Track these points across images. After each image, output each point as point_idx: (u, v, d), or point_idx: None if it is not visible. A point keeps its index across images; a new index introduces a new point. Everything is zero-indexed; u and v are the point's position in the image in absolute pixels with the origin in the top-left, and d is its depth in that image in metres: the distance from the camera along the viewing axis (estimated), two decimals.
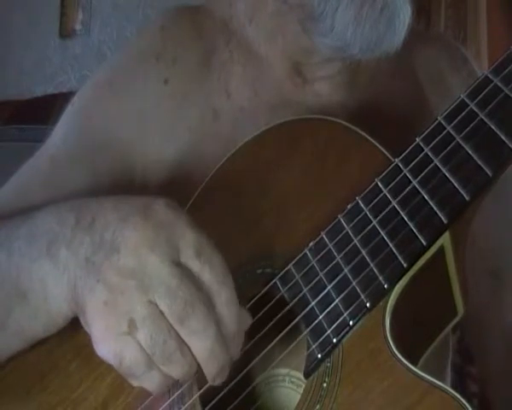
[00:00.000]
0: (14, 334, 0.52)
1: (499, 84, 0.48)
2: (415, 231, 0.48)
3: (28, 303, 0.50)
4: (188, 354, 0.46)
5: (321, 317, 0.50)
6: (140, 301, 0.45)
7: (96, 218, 0.48)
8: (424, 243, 0.48)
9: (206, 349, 0.46)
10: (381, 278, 0.48)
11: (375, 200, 0.50)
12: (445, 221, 0.47)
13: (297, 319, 0.51)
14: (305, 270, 0.52)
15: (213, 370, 0.47)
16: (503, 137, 0.47)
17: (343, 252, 0.50)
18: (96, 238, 0.47)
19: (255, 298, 0.53)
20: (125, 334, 0.45)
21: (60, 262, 0.48)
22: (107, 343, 0.45)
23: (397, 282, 0.48)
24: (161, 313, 0.45)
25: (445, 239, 0.49)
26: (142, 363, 0.45)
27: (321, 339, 0.49)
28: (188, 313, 0.45)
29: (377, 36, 0.58)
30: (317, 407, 0.48)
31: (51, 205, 0.53)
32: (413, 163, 0.50)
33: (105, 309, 0.45)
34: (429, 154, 0.49)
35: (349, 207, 0.52)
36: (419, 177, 0.49)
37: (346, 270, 0.50)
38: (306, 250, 0.52)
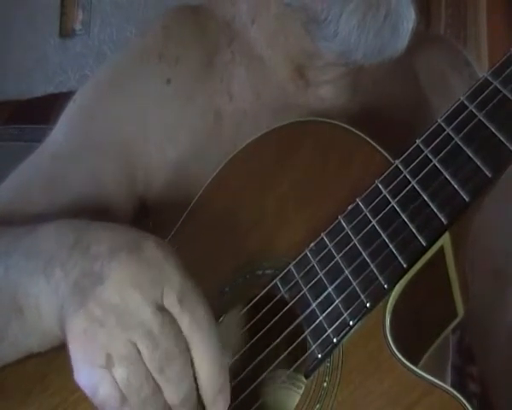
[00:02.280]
0: (11, 345, 0.52)
1: (499, 86, 0.48)
2: (415, 231, 0.48)
3: (24, 318, 0.50)
4: (161, 399, 0.45)
5: (321, 317, 0.50)
6: (119, 339, 0.44)
7: (91, 244, 0.48)
8: (424, 243, 0.48)
9: (179, 397, 0.45)
10: (381, 278, 0.48)
11: (376, 201, 0.51)
12: (445, 222, 0.48)
13: (298, 320, 0.51)
14: (306, 270, 0.52)
15: None
16: (502, 139, 0.47)
17: (343, 253, 0.51)
18: (87, 264, 0.47)
19: (256, 299, 0.53)
20: (102, 367, 0.44)
21: (53, 281, 0.48)
22: (84, 372, 0.45)
23: (397, 282, 0.48)
24: (139, 353, 0.44)
25: (445, 240, 0.49)
26: (115, 400, 0.44)
27: (321, 339, 0.49)
28: (166, 363, 0.44)
29: (381, 43, 0.58)
30: (317, 406, 0.48)
31: (53, 221, 0.53)
32: (413, 165, 0.50)
33: (84, 337, 0.45)
34: (429, 155, 0.50)
35: (349, 208, 0.52)
36: (419, 178, 0.49)
37: (346, 270, 0.50)
38: (307, 251, 0.52)
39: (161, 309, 0.45)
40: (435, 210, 0.48)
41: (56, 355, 0.53)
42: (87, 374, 0.45)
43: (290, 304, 0.52)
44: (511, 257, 0.68)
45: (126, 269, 0.45)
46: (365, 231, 0.50)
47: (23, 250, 0.51)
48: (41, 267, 0.49)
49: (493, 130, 0.47)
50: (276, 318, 0.52)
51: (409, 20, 0.58)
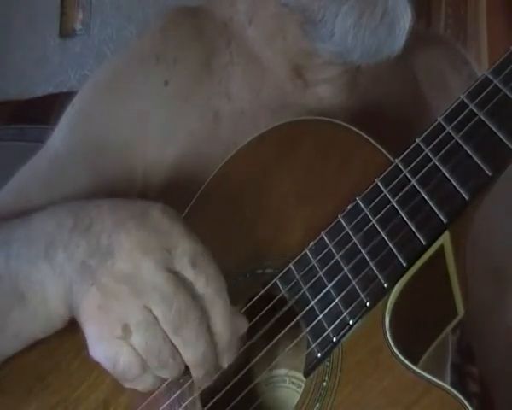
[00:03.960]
0: (12, 336, 0.52)
1: (499, 84, 0.48)
2: (414, 230, 0.48)
3: (26, 305, 0.51)
4: (179, 359, 0.46)
5: (321, 316, 0.50)
6: (134, 307, 0.45)
7: (93, 221, 0.48)
8: (424, 242, 0.48)
9: (197, 357, 0.46)
10: (380, 277, 0.48)
11: (375, 200, 0.51)
12: (445, 221, 0.48)
13: (297, 319, 0.51)
14: (306, 270, 0.52)
15: (199, 374, 0.47)
16: (502, 138, 0.47)
17: (343, 252, 0.51)
18: (93, 242, 0.47)
19: (255, 298, 0.53)
20: (120, 338, 0.45)
21: (57, 265, 0.49)
22: (102, 347, 0.46)
23: (396, 281, 0.48)
24: (155, 318, 0.45)
25: (445, 239, 0.49)
26: (136, 367, 0.45)
27: (321, 338, 0.49)
28: (182, 322, 0.45)
29: (377, 43, 0.58)
30: (317, 405, 0.48)
31: (50, 207, 0.53)
32: (413, 163, 0.50)
33: (99, 313, 0.45)
34: (429, 154, 0.50)
35: (349, 207, 0.52)
36: (419, 177, 0.49)
37: (345, 269, 0.50)
38: (307, 250, 0.52)
39: (174, 272, 0.45)
40: (435, 209, 0.48)
41: (57, 353, 0.53)
42: (105, 348, 0.45)
43: (290, 303, 0.52)
44: (510, 256, 0.68)
45: (136, 238, 0.46)
46: (365, 230, 0.50)
47: (22, 239, 0.52)
48: (42, 252, 0.50)
49: (493, 128, 0.47)
50: (276, 317, 0.52)
51: (406, 19, 0.58)
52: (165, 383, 0.48)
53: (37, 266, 0.50)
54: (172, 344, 0.45)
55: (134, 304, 0.45)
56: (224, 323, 0.47)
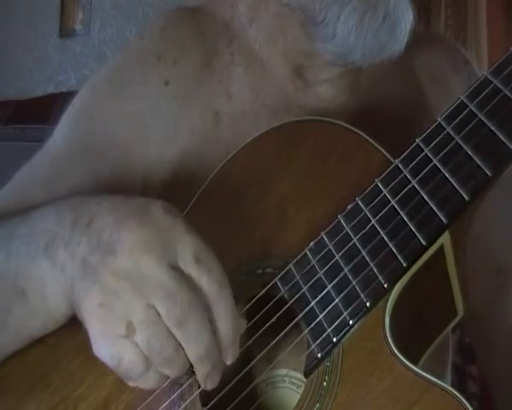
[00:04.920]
0: (13, 332, 0.52)
1: (499, 85, 0.48)
2: (414, 230, 0.48)
3: (27, 302, 0.51)
4: (183, 356, 0.46)
5: (321, 316, 0.50)
6: (137, 304, 0.45)
7: (93, 218, 0.48)
8: (424, 242, 0.48)
9: (200, 353, 0.46)
10: (380, 277, 0.48)
11: (375, 200, 0.51)
12: (445, 221, 0.48)
13: (297, 319, 0.51)
14: (306, 270, 0.52)
15: (204, 372, 0.47)
16: (502, 138, 0.47)
17: (343, 252, 0.51)
18: (93, 239, 0.47)
19: (255, 298, 0.53)
20: (123, 337, 0.45)
21: (57, 262, 0.49)
22: (105, 345, 0.45)
23: (396, 281, 0.48)
24: (158, 315, 0.45)
25: (445, 239, 0.49)
26: (139, 365, 0.45)
27: (321, 338, 0.49)
28: (186, 318, 0.45)
29: (379, 44, 0.58)
30: (317, 405, 0.48)
31: (50, 204, 0.53)
32: (413, 164, 0.50)
33: (101, 311, 0.45)
34: (429, 154, 0.50)
35: (349, 207, 0.52)
36: (419, 177, 0.49)
37: (345, 270, 0.50)
38: (307, 250, 0.52)
39: (176, 269, 0.45)
40: (435, 209, 0.48)
41: (57, 353, 0.53)
42: (109, 347, 0.45)
43: (290, 303, 0.52)
44: (511, 255, 0.68)
45: (137, 235, 0.46)
46: (365, 230, 0.50)
47: (23, 235, 0.52)
48: (42, 249, 0.50)
49: (493, 129, 0.47)
50: (276, 317, 0.52)
51: (407, 20, 0.58)
52: (168, 381, 0.48)
53: (37, 263, 0.50)
54: (176, 340, 0.45)
55: (136, 301, 0.45)
56: (228, 318, 0.47)
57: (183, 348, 0.46)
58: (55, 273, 0.49)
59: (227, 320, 0.47)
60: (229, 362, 0.48)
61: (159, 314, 0.45)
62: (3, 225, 0.55)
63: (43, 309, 0.50)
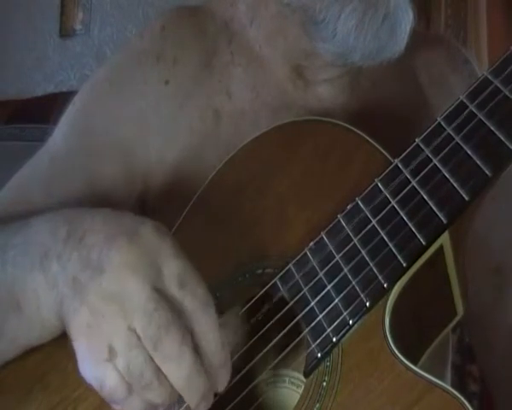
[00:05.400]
0: (10, 341, 0.52)
1: (499, 85, 0.48)
2: (414, 230, 0.48)
3: (22, 313, 0.50)
4: (165, 383, 0.45)
5: (321, 316, 0.50)
6: (120, 327, 0.44)
7: (86, 233, 0.48)
8: (423, 242, 0.48)
9: (183, 378, 0.45)
10: (380, 277, 0.48)
11: (375, 200, 0.51)
12: (445, 221, 0.48)
13: (297, 319, 0.51)
14: (306, 270, 0.52)
15: (194, 399, 0.46)
16: (502, 138, 0.47)
17: (343, 252, 0.51)
18: (84, 255, 0.47)
19: (255, 298, 0.53)
20: (106, 360, 0.44)
21: (50, 276, 0.48)
22: (89, 367, 0.45)
23: (396, 281, 0.48)
24: (138, 339, 0.44)
25: (445, 239, 0.49)
26: (121, 390, 0.45)
27: (321, 338, 0.49)
28: (161, 336, 0.44)
29: (379, 45, 0.58)
30: (317, 405, 0.48)
31: (48, 213, 0.53)
32: (413, 164, 0.50)
33: (88, 332, 0.45)
34: (429, 154, 0.50)
35: (349, 207, 0.52)
36: (419, 177, 0.49)
37: (345, 269, 0.50)
38: (306, 250, 0.52)
39: (159, 291, 0.45)
40: (435, 209, 0.48)
41: (56, 354, 0.53)
42: (92, 369, 0.45)
43: (290, 304, 0.52)
44: (510, 255, 0.68)
45: (125, 256, 0.45)
46: (365, 230, 0.50)
47: (18, 245, 0.52)
48: (37, 261, 0.49)
49: (493, 129, 0.47)
50: (277, 317, 0.52)
51: (407, 21, 0.58)
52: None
53: (32, 276, 0.49)
54: (155, 365, 0.44)
55: (119, 324, 0.44)
56: (213, 341, 0.45)
57: (164, 375, 0.45)
58: (48, 288, 0.48)
59: (211, 342, 0.45)
60: (220, 389, 0.47)
61: (138, 337, 0.44)
62: (1, 231, 0.55)
63: (38, 321, 0.50)
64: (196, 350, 0.45)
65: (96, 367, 0.45)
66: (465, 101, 0.49)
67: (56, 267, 0.48)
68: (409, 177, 0.50)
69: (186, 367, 0.44)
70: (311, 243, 0.52)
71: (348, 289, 0.49)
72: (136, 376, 0.44)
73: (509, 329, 0.67)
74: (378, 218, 0.50)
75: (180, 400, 0.47)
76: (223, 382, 0.47)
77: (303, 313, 0.51)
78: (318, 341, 0.49)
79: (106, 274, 0.45)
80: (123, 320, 0.44)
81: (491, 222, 0.64)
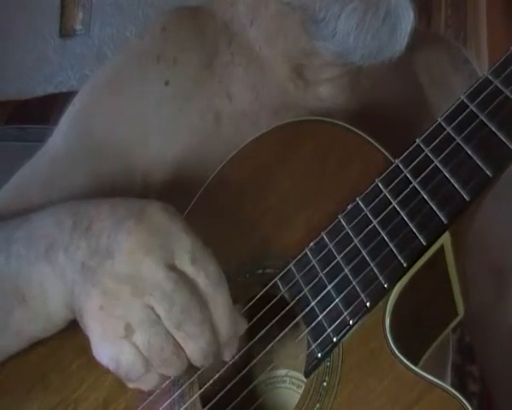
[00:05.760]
0: (14, 334, 0.52)
1: (499, 85, 0.48)
2: (415, 231, 0.48)
3: (27, 305, 0.51)
4: (183, 356, 0.46)
5: (321, 316, 0.50)
6: (136, 306, 0.45)
7: (92, 222, 0.48)
8: (424, 243, 0.48)
9: (201, 352, 0.46)
10: (381, 277, 0.48)
11: (376, 200, 0.51)
12: (445, 221, 0.48)
13: (297, 319, 0.51)
14: (306, 270, 0.52)
15: (204, 366, 0.47)
16: (502, 138, 0.47)
17: (343, 252, 0.51)
18: (93, 243, 0.47)
19: (256, 298, 0.53)
20: (122, 338, 0.45)
21: (57, 267, 0.49)
22: (105, 347, 0.45)
23: (397, 282, 0.48)
24: (157, 316, 0.45)
25: (445, 239, 0.49)
26: (139, 366, 0.45)
27: (321, 338, 0.49)
28: (184, 318, 0.45)
29: (379, 44, 0.58)
30: (317, 406, 0.48)
31: (50, 207, 0.53)
32: (413, 164, 0.50)
33: (101, 314, 0.45)
34: (429, 154, 0.50)
35: (349, 207, 0.52)
36: (419, 177, 0.49)
37: (346, 270, 0.50)
38: (307, 250, 0.52)
39: (174, 270, 0.45)
40: (435, 209, 0.48)
41: (57, 353, 0.53)
42: (108, 349, 0.45)
43: (291, 304, 0.52)
44: (511, 256, 0.68)
45: (135, 237, 0.46)
46: (365, 230, 0.50)
47: (22, 238, 0.52)
48: (42, 253, 0.49)
49: (494, 129, 0.47)
50: (277, 318, 0.52)
51: (407, 21, 0.58)
52: (168, 381, 0.48)
53: (37, 268, 0.50)
54: (175, 341, 0.45)
55: (135, 303, 0.45)
56: (226, 317, 0.47)
57: (182, 348, 0.46)
58: (55, 279, 0.49)
59: (224, 318, 0.47)
60: (227, 358, 0.49)
61: (157, 315, 0.45)
62: (3, 226, 0.55)
63: (43, 313, 0.50)
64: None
65: (112, 346, 0.45)
66: (466, 101, 0.49)
67: (63, 258, 0.48)
68: (409, 177, 0.50)
69: (205, 343, 0.46)
70: (312, 243, 0.52)
71: (349, 289, 0.49)
72: (156, 351, 0.45)
73: (509, 329, 0.67)
74: (379, 218, 0.50)
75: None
76: (231, 352, 0.49)
77: (303, 313, 0.51)
78: (319, 341, 0.49)
79: (116, 258, 0.46)
80: (139, 299, 0.45)
81: (492, 223, 0.64)
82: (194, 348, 0.46)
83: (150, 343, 0.45)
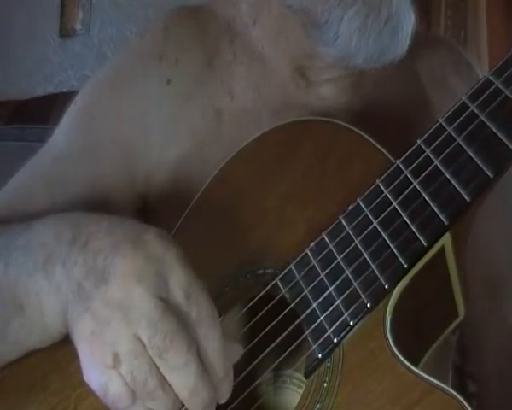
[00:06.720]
0: (12, 343, 0.52)
1: (500, 86, 0.48)
2: (415, 232, 0.48)
3: (25, 315, 0.50)
4: (169, 392, 0.45)
5: (322, 317, 0.50)
6: (124, 335, 0.44)
7: (90, 238, 0.48)
8: (425, 244, 0.48)
9: (188, 387, 0.45)
10: (381, 278, 0.48)
11: (376, 201, 0.51)
12: (446, 222, 0.48)
13: (298, 320, 0.51)
14: (306, 270, 0.52)
15: (197, 409, 0.46)
16: (503, 139, 0.47)
17: (344, 253, 0.51)
18: (89, 260, 0.47)
19: (256, 298, 0.53)
20: (110, 367, 0.44)
21: (54, 281, 0.48)
22: (94, 373, 0.45)
23: (397, 282, 0.48)
24: (144, 346, 0.44)
25: (446, 240, 0.49)
26: (125, 397, 0.45)
27: (321, 339, 0.49)
28: (167, 346, 0.44)
29: (381, 48, 0.58)
30: (318, 406, 0.48)
31: (52, 214, 0.53)
32: (414, 164, 0.50)
33: (92, 338, 0.45)
34: (430, 155, 0.50)
35: (350, 208, 0.52)
36: (420, 178, 0.49)
37: (346, 270, 0.50)
38: (307, 251, 0.52)
39: (165, 300, 0.45)
40: (436, 210, 0.48)
41: (56, 354, 0.53)
42: (96, 376, 0.45)
43: (292, 305, 0.52)
44: (507, 268, 0.68)
45: (131, 264, 0.45)
46: (366, 231, 0.50)
47: (21, 247, 0.51)
48: (40, 264, 0.49)
49: (494, 130, 0.47)
50: (278, 319, 0.52)
51: (409, 23, 0.58)
52: None
53: (34, 279, 0.49)
54: (160, 374, 0.44)
55: (124, 332, 0.44)
56: (217, 352, 0.46)
57: (169, 384, 0.45)
58: (51, 292, 0.48)
59: (216, 354, 0.46)
60: (222, 401, 0.47)
61: (144, 345, 0.44)
62: (2, 233, 0.54)
63: (40, 325, 0.50)
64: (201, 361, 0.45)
65: (101, 374, 0.45)
66: (467, 102, 0.49)
67: (61, 272, 0.48)
68: (410, 178, 0.50)
69: (191, 377, 0.44)
70: (312, 244, 0.52)
71: (349, 290, 0.49)
72: (140, 383, 0.44)
73: (504, 340, 0.67)
74: (379, 219, 0.50)
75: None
76: (225, 393, 0.47)
77: (304, 314, 0.51)
78: (319, 342, 0.49)
79: (111, 282, 0.45)
80: (128, 328, 0.44)
81: (491, 235, 0.64)
82: (180, 382, 0.44)
83: (133, 375, 0.44)
